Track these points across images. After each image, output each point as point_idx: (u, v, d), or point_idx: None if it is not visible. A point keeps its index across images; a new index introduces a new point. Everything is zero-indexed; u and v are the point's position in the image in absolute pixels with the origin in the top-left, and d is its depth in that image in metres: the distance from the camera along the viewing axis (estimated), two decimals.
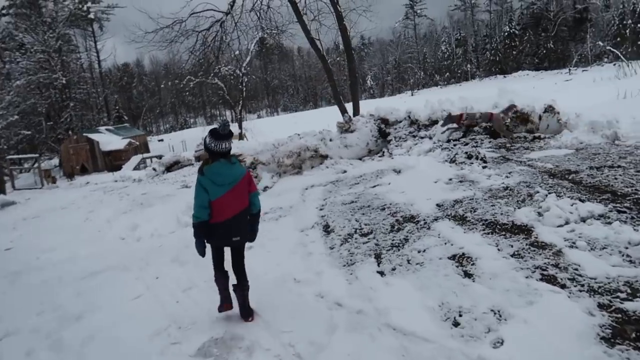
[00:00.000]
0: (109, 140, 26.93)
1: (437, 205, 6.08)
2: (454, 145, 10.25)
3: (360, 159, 11.33)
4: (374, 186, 8.00)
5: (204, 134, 30.46)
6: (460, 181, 7.12)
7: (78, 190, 20.41)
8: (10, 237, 12.77)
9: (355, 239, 5.43)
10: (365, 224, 5.85)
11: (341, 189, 8.56)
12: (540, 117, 10.41)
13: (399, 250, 4.82)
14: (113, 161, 26.74)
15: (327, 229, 6.06)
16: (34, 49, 28.67)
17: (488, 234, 4.81)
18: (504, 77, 64.25)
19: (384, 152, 11.25)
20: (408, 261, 4.52)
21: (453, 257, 4.43)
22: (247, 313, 4.17)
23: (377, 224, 5.79)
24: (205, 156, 4.10)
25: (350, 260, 4.86)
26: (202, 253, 4.02)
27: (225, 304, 4.24)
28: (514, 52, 69.81)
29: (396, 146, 11.14)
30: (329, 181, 9.79)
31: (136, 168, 24.78)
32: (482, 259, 4.22)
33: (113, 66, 71.50)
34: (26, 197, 20.09)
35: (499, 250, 4.37)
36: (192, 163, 23.19)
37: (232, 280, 4.23)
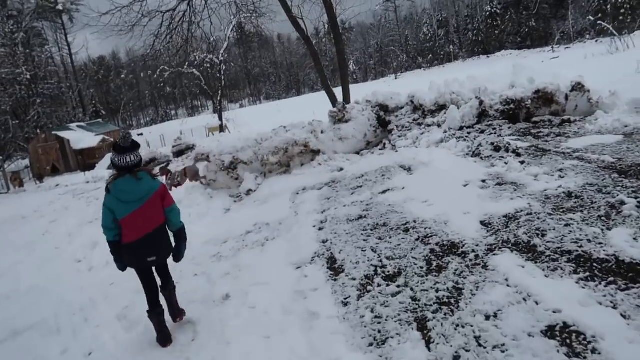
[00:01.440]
0: (80, 137, 24.71)
1: (483, 224, 4.36)
2: (469, 133, 8.53)
3: (357, 153, 9.56)
4: (384, 191, 6.23)
5: (183, 126, 28.32)
6: (499, 184, 5.39)
7: (45, 195, 18.38)
8: None
9: (378, 285, 3.66)
10: (388, 258, 4.08)
11: (341, 194, 6.80)
12: (567, 97, 8.71)
13: (452, 312, 3.05)
14: (86, 160, 24.59)
15: (333, 265, 4.28)
16: None
17: (586, 279, 3.10)
18: (488, 57, 62.64)
19: (385, 144, 9.49)
20: (477, 340, 2.77)
21: (550, 332, 2.69)
22: (175, 313, 4.06)
23: (406, 258, 4.02)
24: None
25: (380, 333, 3.07)
26: (121, 268, 3.84)
27: (164, 344, 3.79)
28: (497, 32, 68.08)
29: (399, 137, 9.38)
30: (324, 183, 8.02)
31: (110, 167, 22.66)
32: (604, 339, 2.50)
33: (88, 60, 68.25)
34: None
35: (624, 317, 2.65)
36: (170, 160, 21.28)
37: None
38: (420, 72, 68.00)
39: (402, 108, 10.19)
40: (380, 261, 4.04)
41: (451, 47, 76.21)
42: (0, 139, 25.32)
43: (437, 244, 4.13)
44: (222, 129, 26.00)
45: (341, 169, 8.76)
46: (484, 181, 5.58)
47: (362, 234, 4.78)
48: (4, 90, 26.04)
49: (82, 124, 27.98)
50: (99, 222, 11.13)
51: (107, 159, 23.72)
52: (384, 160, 8.38)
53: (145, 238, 3.62)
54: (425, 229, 4.53)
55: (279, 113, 47.41)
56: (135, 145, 3.67)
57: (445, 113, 9.25)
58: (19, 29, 29.91)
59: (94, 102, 52.04)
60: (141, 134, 50.45)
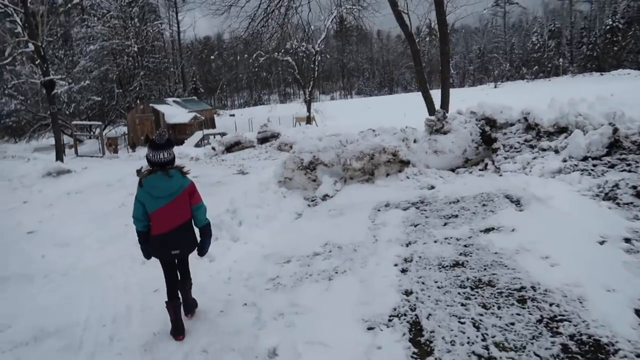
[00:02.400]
0: (174, 112, 25.27)
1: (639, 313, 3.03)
2: (594, 166, 6.95)
3: (453, 170, 8.26)
4: (487, 230, 4.97)
5: (271, 113, 28.12)
6: None
7: (133, 164, 18.75)
8: (42, 216, 11.02)
9: None
10: (498, 345, 2.85)
11: (432, 222, 5.62)
12: None
13: None
14: (177, 134, 25.12)
15: (418, 337, 3.12)
16: (110, 14, 27.48)
17: None
18: (601, 74, 57.03)
19: (486, 164, 8.12)
20: None
21: None
22: (188, 309, 4.08)
23: (524, 351, 2.78)
24: None
25: None
26: (146, 256, 4.00)
27: (177, 336, 3.81)
28: (615, 48, 61.79)
29: (506, 158, 7.95)
30: (411, 201, 6.87)
31: (198, 144, 22.96)
32: None
33: (194, 38, 71.13)
34: (83, 166, 18.70)
35: None
36: (254, 145, 21.00)
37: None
38: (522, 84, 63.54)
39: (512, 125, 8.70)
40: (487, 348, 2.86)
41: (561, 60, 70.34)
42: (104, 105, 26.62)
43: (571, 337, 2.86)
44: (309, 120, 25.42)
45: (432, 187, 7.55)
46: (628, 241, 4.16)
47: (459, 293, 3.60)
48: (113, 60, 27.35)
49: (177, 99, 28.78)
50: None
51: (196, 136, 24.14)
52: (484, 185, 7.05)
53: (171, 232, 3.74)
54: (550, 305, 3.26)
55: (368, 110, 46.34)
56: (170, 144, 3.78)
57: (566, 137, 7.68)
58: (135, 4, 31.25)
59: (194, 79, 53.98)
60: (233, 115, 51.62)
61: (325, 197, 8.13)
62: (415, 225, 5.57)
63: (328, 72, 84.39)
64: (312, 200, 8.20)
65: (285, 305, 3.80)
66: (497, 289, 3.61)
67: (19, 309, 5.04)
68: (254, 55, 25.27)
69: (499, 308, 3.32)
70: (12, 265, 7.48)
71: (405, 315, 3.42)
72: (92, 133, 23.73)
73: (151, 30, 30.57)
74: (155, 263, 4.03)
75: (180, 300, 3.93)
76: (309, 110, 25.93)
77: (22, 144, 26.05)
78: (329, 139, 8.70)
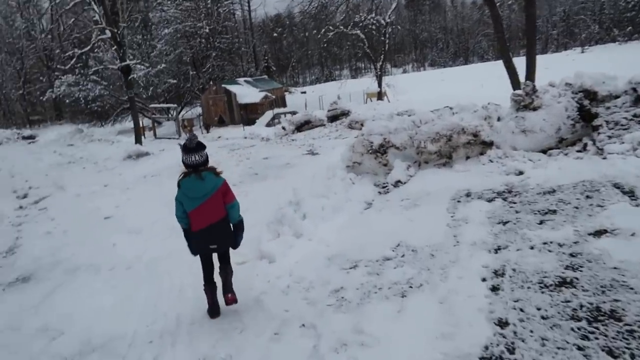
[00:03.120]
0: (246, 92, 25.21)
1: None
2: None
3: (544, 152, 7.13)
4: (598, 233, 4.00)
5: (341, 89, 27.30)
6: None
7: (207, 146, 18.79)
8: (119, 200, 11.23)
9: None
10: None
11: (524, 219, 4.71)
12: None
13: None
14: (249, 114, 25.10)
15: None
16: None
17: None
18: None
19: (585, 144, 6.91)
20: None
21: None
22: (228, 296, 4.10)
23: None
24: None
25: None
26: (194, 253, 4.21)
27: (214, 316, 4.16)
28: None
29: (610, 137, 6.71)
30: (496, 190, 5.95)
31: (269, 124, 22.79)
32: None
33: (265, 17, 71.08)
34: (160, 148, 19.15)
35: None
36: (324, 124, 20.41)
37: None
38: (613, 47, 57.47)
39: (616, 97, 7.37)
40: None
41: None
42: (180, 87, 27.18)
43: None
44: (380, 96, 24.33)
45: (520, 173, 6.53)
46: None
47: (572, 329, 2.73)
48: (187, 42, 27.75)
49: (249, 79, 28.74)
50: (241, 187, 10.44)
51: (267, 115, 23.99)
52: (585, 170, 5.94)
53: (207, 228, 3.98)
54: None
55: (442, 82, 44.00)
56: (200, 146, 3.97)
57: None
58: None
59: (266, 58, 54.11)
60: (304, 92, 51.27)
61: (397, 184, 7.36)
62: (504, 223, 4.69)
63: (400, 44, 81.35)
64: (383, 187, 7.47)
65: (349, 330, 3.16)
66: (625, 324, 2.72)
67: (77, 308, 4.86)
68: (323, 31, 24.41)
69: (632, 358, 2.46)
70: (85, 253, 7.52)
71: (500, 358, 2.65)
72: (169, 115, 24.32)
73: (222, 11, 30.58)
74: None
75: (216, 286, 4.19)
76: (380, 85, 24.74)
77: (108, 127, 27.42)
78: (401, 120, 7.85)
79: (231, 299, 4.09)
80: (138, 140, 18.64)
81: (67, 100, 24.24)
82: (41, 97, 26.76)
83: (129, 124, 25.84)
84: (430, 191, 6.58)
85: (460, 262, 3.88)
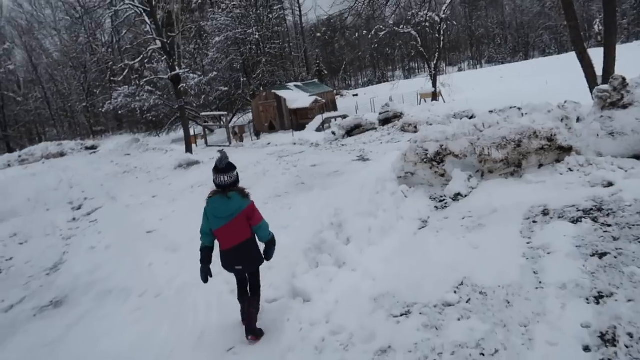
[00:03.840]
0: (296, 97, 24.68)
1: None
2: None
3: (638, 157, 5.89)
4: None
5: (394, 90, 26.23)
6: None
7: (256, 153, 18.51)
8: (164, 213, 10.92)
9: None
10: None
11: (627, 249, 3.63)
12: None
13: None
14: (299, 119, 24.54)
15: None
16: (233, 4, 27.65)
17: None
18: None
19: None
20: None
21: None
22: (249, 330, 3.96)
23: None
24: None
25: None
26: (204, 279, 4.16)
27: (244, 320, 4.12)
28: None
29: None
30: (581, 207, 4.85)
31: (319, 129, 22.11)
32: None
33: (317, 21, 70.70)
34: (211, 157, 18.90)
35: None
36: (375, 127, 19.46)
37: None
38: None
39: None
40: None
41: None
42: (231, 94, 27.11)
43: None
44: (435, 96, 23.01)
45: (609, 184, 5.37)
46: None
47: None
48: (238, 49, 27.65)
49: (299, 83, 28.22)
50: (285, 198, 9.46)
51: (317, 120, 23.34)
52: None
53: (233, 249, 3.96)
54: None
55: (500, 80, 41.59)
56: (230, 167, 3.92)
57: None
58: None
59: (318, 62, 53.64)
60: (356, 95, 50.30)
61: (457, 197, 6.37)
62: (601, 256, 3.62)
63: (454, 42, 78.45)
64: (441, 201, 6.50)
65: None
66: None
67: (92, 348, 4.29)
68: (373, 31, 23.40)
69: None
70: (121, 273, 7.18)
71: None
72: (221, 123, 24.25)
73: (272, 17, 30.32)
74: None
75: (249, 296, 4.17)
76: (434, 85, 23.39)
77: (162, 136, 27.84)
78: (460, 124, 6.84)
79: (252, 339, 3.93)
80: (188, 149, 18.52)
81: (121, 112, 24.79)
82: (100, 109, 27.63)
83: (182, 132, 26.03)
84: (497, 207, 5.55)
85: (549, 317, 2.90)
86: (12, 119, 37.95)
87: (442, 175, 6.81)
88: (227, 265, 4.08)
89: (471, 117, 16.53)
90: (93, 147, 29.23)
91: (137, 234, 9.54)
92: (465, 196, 6.33)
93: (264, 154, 17.79)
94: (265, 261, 4.16)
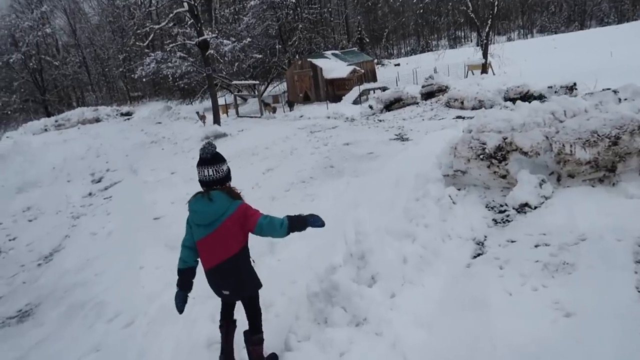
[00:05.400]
0: (333, 66, 22.75)
1: None
2: None
3: None
4: None
5: (438, 61, 23.90)
6: None
7: (287, 126, 17.05)
8: (177, 195, 9.72)
9: None
10: None
11: None
12: None
13: None
14: (335, 90, 22.72)
15: None
16: None
17: None
18: None
19: None
20: None
21: None
22: None
23: None
24: None
25: None
26: (179, 308, 3.05)
27: None
28: None
29: None
30: None
31: (356, 101, 20.31)
32: None
33: None
34: (239, 129, 17.59)
35: None
36: (417, 101, 17.49)
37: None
38: None
39: None
40: None
41: None
42: (266, 62, 25.43)
43: None
44: (485, 68, 20.63)
45: None
46: None
47: None
48: (274, 14, 25.73)
49: (337, 52, 26.16)
50: (305, 188, 8.21)
51: (355, 92, 21.52)
52: None
53: (216, 269, 2.95)
54: None
55: (554, 50, 37.91)
56: (217, 159, 2.90)
57: None
58: None
59: (359, 29, 50.77)
60: (398, 64, 47.49)
61: (523, 208, 4.73)
62: None
63: (505, 9, 73.09)
64: (501, 211, 4.87)
65: None
66: None
67: None
68: None
69: None
70: (105, 278, 6.02)
71: None
72: (254, 92, 22.80)
73: None
74: None
75: (235, 325, 3.26)
76: (485, 55, 20.81)
77: (196, 104, 26.70)
78: (532, 110, 5.08)
79: None
80: (216, 120, 17.23)
81: (154, 78, 23.73)
82: (132, 75, 26.67)
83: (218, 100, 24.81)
84: (586, 232, 3.90)
85: None
86: (50, 83, 37.81)
87: (504, 177, 5.14)
88: (213, 288, 3.10)
89: (527, 94, 14.37)
90: (128, 114, 28.54)
91: (144, 220, 8.47)
92: (536, 208, 4.68)
93: (295, 127, 16.34)
94: (260, 286, 3.10)
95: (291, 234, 2.84)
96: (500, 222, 4.70)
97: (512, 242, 4.18)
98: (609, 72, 17.13)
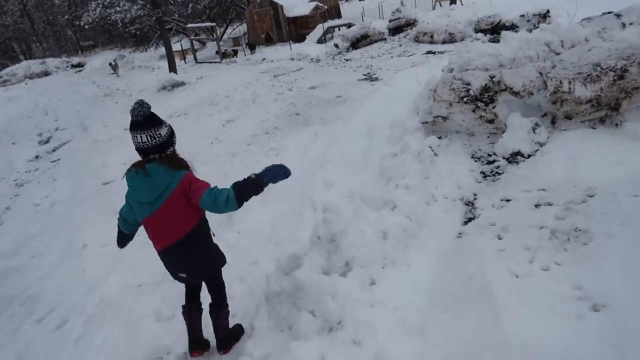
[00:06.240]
0: (294, 3, 20.90)
1: None
2: None
3: None
4: None
5: None
6: None
7: (249, 71, 15.79)
8: (129, 155, 8.57)
9: None
10: None
11: None
12: None
13: None
14: (298, 29, 21.12)
15: None
16: None
17: None
18: None
19: None
20: None
21: None
22: (223, 343, 2.78)
23: None
24: None
25: None
26: (119, 244, 2.82)
27: (195, 350, 2.76)
28: None
29: None
30: None
31: (320, 40, 18.94)
32: None
33: None
34: (198, 76, 16.22)
35: None
36: (385, 37, 16.34)
37: None
38: None
39: None
40: None
41: None
42: (222, 2, 23.31)
43: None
44: None
45: None
46: None
47: None
48: None
49: None
50: (268, 141, 7.30)
51: (318, 30, 20.07)
52: None
53: (169, 250, 2.48)
54: None
55: None
56: (153, 121, 2.30)
57: None
58: None
59: None
60: None
61: (515, 158, 4.06)
62: None
63: None
64: (489, 162, 4.20)
65: None
66: None
67: None
68: None
69: None
70: (42, 262, 5.17)
71: None
72: (213, 35, 21.01)
73: None
74: None
75: (201, 308, 2.80)
76: None
77: (151, 51, 24.59)
78: (524, 41, 4.25)
79: (226, 351, 2.75)
80: (172, 68, 15.77)
81: (103, 24, 21.51)
82: (75, 22, 24.15)
83: (173, 46, 22.84)
84: (594, 186, 3.27)
85: None
86: None
87: (491, 122, 4.41)
88: (169, 272, 2.66)
89: (498, 24, 13.44)
90: (79, 65, 26.23)
91: (92, 185, 7.58)
92: (529, 156, 4.01)
93: (257, 72, 15.14)
94: (224, 263, 2.70)
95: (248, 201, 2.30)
96: (490, 176, 4.02)
97: (507, 201, 3.51)
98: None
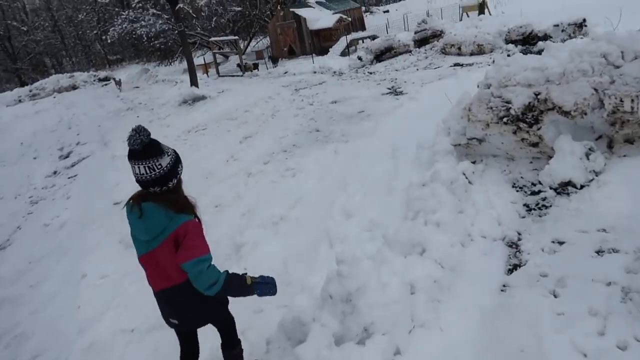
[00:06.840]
0: (317, 16, 20.58)
1: None
2: None
3: None
4: None
5: (430, 4, 21.87)
6: None
7: (270, 84, 15.47)
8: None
9: None
10: None
11: None
12: None
13: None
14: (322, 42, 20.78)
15: None
16: None
17: None
18: None
19: None
20: None
21: None
22: None
23: None
24: None
25: None
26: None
27: None
28: None
29: None
30: None
31: (344, 53, 18.52)
32: None
33: None
34: (219, 90, 15.97)
35: None
36: (410, 50, 15.81)
37: None
38: None
39: None
40: None
41: None
42: (246, 15, 23.19)
43: None
44: (482, 8, 18.72)
45: None
46: None
47: None
48: None
49: (322, 0, 23.90)
50: (286, 160, 6.94)
51: (342, 43, 19.68)
52: None
53: (162, 294, 2.20)
54: None
55: None
56: (152, 150, 1.97)
57: None
58: None
59: None
60: (387, 11, 44.63)
61: (565, 188, 3.46)
62: None
63: None
64: (534, 193, 3.61)
65: None
66: None
67: None
68: None
69: None
70: (38, 293, 4.79)
71: None
72: (235, 49, 20.88)
73: None
74: None
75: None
76: None
77: (175, 65, 24.67)
78: (575, 53, 3.66)
79: None
80: (193, 82, 15.56)
81: (129, 39, 21.67)
82: (103, 37, 24.48)
83: (196, 60, 22.86)
84: None
85: None
86: (21, 50, 35.04)
87: (535, 145, 3.81)
88: (162, 314, 2.33)
89: (530, 35, 12.75)
90: (106, 79, 26.53)
91: (103, 205, 7.21)
92: (582, 187, 3.39)
93: (278, 85, 14.81)
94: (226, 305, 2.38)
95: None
96: (535, 209, 3.43)
97: (560, 243, 2.92)
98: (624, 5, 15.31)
